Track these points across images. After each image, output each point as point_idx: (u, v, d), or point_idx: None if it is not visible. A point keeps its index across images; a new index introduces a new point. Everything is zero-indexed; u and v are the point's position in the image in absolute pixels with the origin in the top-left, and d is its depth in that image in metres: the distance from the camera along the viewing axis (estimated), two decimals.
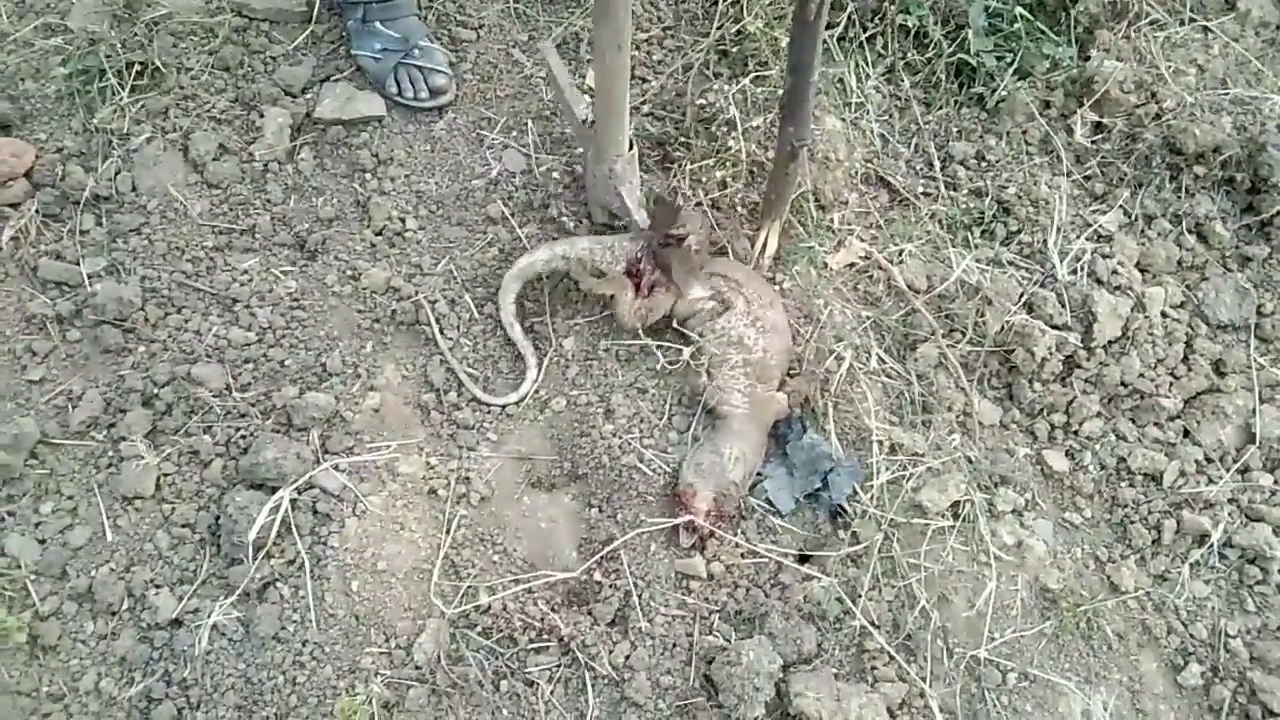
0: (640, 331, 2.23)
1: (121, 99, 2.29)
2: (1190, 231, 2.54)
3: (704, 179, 2.39)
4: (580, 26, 2.61)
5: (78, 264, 2.17)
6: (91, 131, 2.27)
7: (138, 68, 2.32)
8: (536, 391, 2.22)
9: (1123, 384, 2.34)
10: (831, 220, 2.43)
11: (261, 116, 2.36)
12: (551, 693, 1.94)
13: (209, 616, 1.91)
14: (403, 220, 2.34)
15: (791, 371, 2.26)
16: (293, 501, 1.98)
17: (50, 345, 2.11)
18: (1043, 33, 2.66)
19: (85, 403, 2.06)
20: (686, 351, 2.19)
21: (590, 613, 2.01)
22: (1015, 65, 2.62)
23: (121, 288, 2.13)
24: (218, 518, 1.99)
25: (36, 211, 2.19)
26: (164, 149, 2.30)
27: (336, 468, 2.04)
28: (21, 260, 2.16)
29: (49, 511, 1.98)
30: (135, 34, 2.35)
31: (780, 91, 2.16)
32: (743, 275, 2.26)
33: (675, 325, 2.26)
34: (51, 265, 2.16)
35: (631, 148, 2.15)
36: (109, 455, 2.04)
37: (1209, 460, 2.33)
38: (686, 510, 2.06)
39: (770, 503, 2.15)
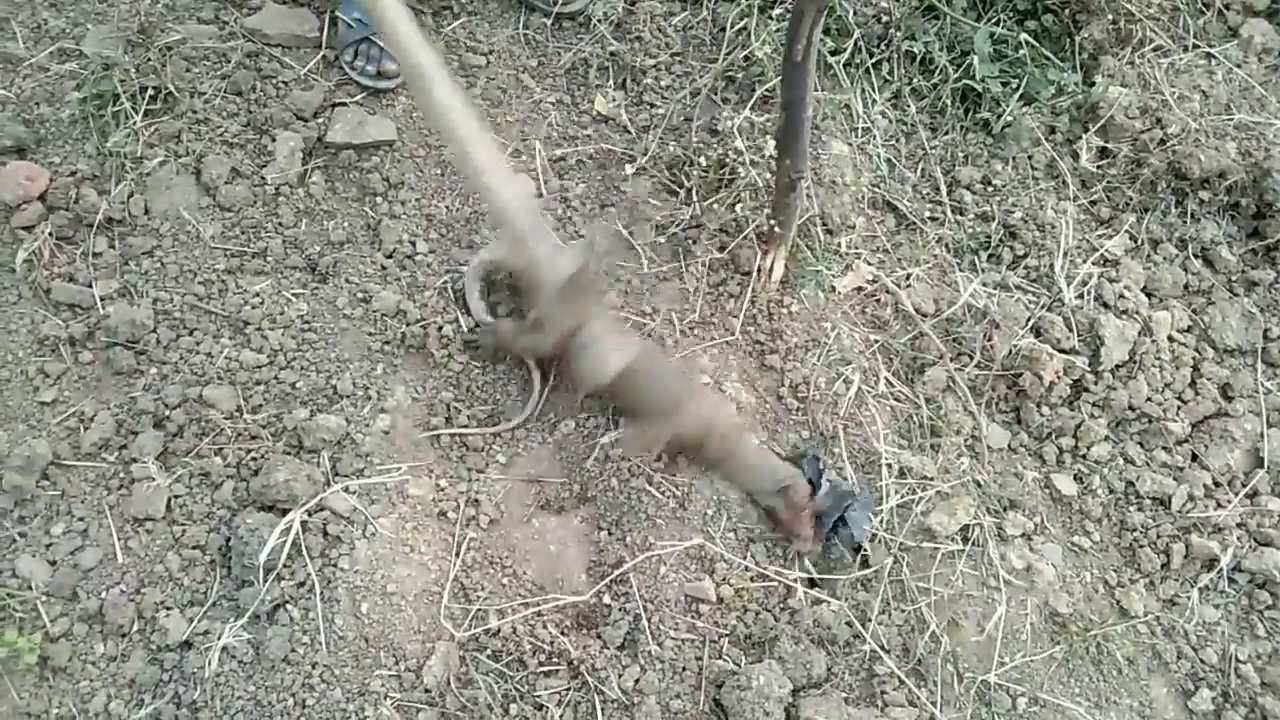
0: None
1: (135, 123, 2.31)
2: (1196, 256, 2.55)
3: (713, 204, 2.41)
4: (589, 53, 2.63)
5: (90, 286, 2.18)
6: (105, 155, 2.29)
7: (151, 92, 2.34)
8: (544, 414, 2.23)
9: (1130, 408, 2.34)
10: (839, 244, 2.45)
11: (273, 140, 2.37)
12: (561, 716, 1.93)
13: (219, 638, 1.90)
14: (413, 243, 2.35)
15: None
16: (303, 524, 1.98)
17: (62, 367, 2.12)
18: (1048, 59, 2.69)
19: (97, 424, 2.06)
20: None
21: (600, 636, 2.01)
22: (1021, 91, 2.65)
23: (134, 310, 2.14)
24: (228, 540, 1.99)
25: (50, 234, 2.20)
26: (177, 172, 2.32)
27: (347, 490, 2.04)
28: (35, 282, 2.17)
29: (60, 533, 1.99)
30: (149, 59, 2.37)
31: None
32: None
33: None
34: (64, 287, 2.17)
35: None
36: (120, 477, 2.04)
37: (1217, 484, 2.33)
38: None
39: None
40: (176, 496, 2.03)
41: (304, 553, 1.97)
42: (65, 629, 1.92)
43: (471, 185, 2.06)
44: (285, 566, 1.95)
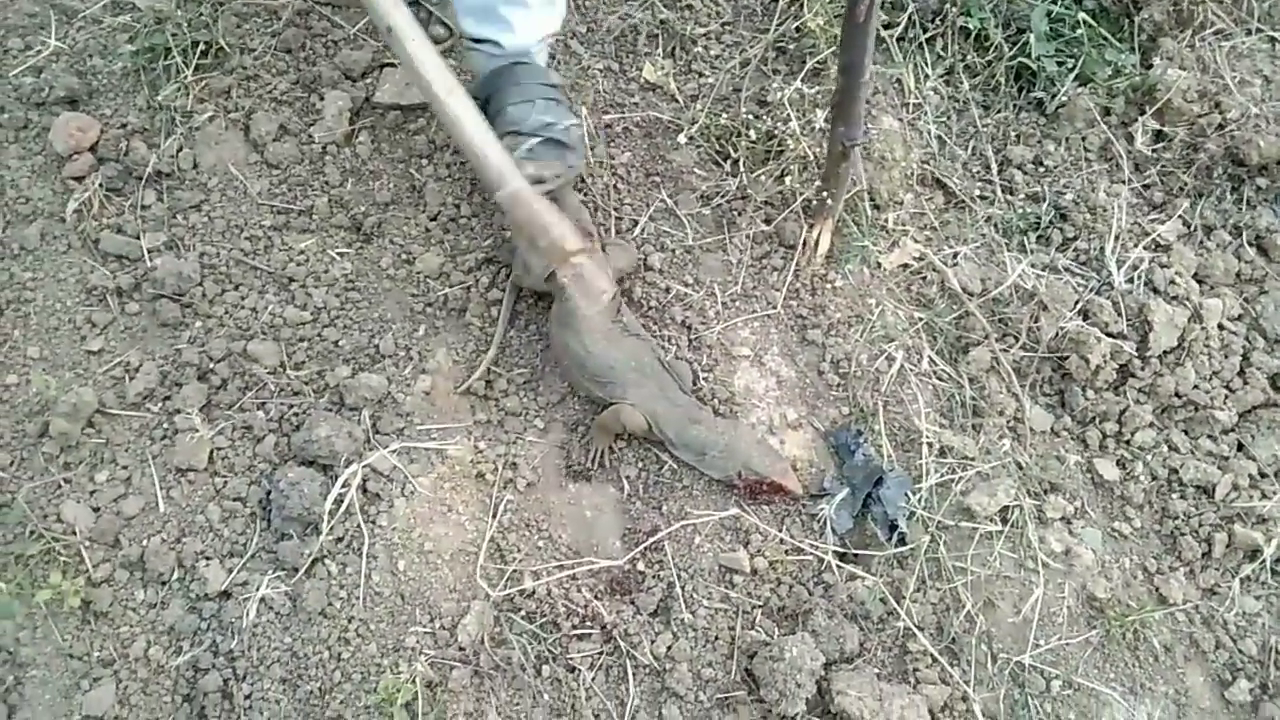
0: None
1: (185, 78, 2.32)
2: (1250, 244, 2.50)
3: (760, 176, 2.39)
4: (638, 20, 2.61)
5: (138, 238, 2.20)
6: (155, 108, 2.30)
7: (202, 47, 2.35)
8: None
9: (1177, 395, 2.31)
10: (886, 220, 2.42)
11: (321, 99, 2.38)
12: (593, 680, 1.94)
13: (257, 590, 1.93)
14: (457, 206, 2.35)
15: None
16: (344, 480, 1.99)
17: (109, 317, 2.14)
18: (1105, 39, 2.64)
19: (142, 375, 2.08)
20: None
21: (633, 602, 2.01)
22: (1076, 71, 2.60)
23: (181, 263, 2.15)
24: (269, 493, 2.01)
25: (100, 185, 2.22)
26: (225, 128, 2.33)
27: (387, 448, 2.05)
28: (84, 233, 2.20)
29: (104, 480, 2.01)
30: (201, 14, 2.38)
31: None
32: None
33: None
34: (113, 239, 2.19)
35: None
36: (164, 427, 2.06)
37: (1263, 475, 2.29)
38: (782, 491, 2.09)
39: (831, 521, 2.13)
40: (219, 448, 2.05)
41: (344, 508, 1.98)
42: (107, 574, 1.94)
43: (439, 118, 2.08)
44: (325, 521, 1.96)
